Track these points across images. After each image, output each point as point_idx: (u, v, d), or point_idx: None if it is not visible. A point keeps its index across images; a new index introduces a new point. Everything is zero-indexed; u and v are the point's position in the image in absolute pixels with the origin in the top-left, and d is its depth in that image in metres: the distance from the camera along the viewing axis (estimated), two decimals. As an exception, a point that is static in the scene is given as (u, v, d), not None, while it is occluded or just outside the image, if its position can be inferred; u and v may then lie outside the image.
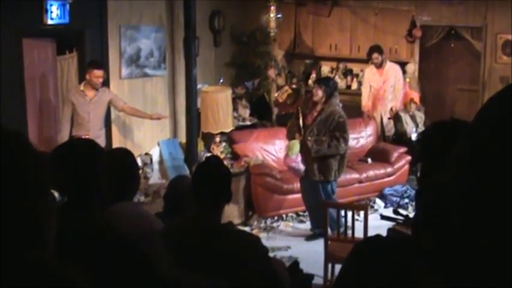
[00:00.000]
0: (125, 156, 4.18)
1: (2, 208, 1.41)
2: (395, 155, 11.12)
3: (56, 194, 3.12)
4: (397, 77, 11.99)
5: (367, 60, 13.15)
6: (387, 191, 10.68)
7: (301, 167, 8.68)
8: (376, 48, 12.04)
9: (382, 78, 11.99)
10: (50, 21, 8.85)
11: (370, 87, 12.12)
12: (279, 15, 12.42)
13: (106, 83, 9.70)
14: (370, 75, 12.19)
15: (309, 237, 9.17)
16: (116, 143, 10.11)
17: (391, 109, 11.91)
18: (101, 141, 8.71)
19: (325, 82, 8.92)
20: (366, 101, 12.13)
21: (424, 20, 12.83)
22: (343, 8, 13.49)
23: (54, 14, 8.88)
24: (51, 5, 8.79)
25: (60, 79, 10.34)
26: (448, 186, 1.09)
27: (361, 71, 13.58)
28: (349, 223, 7.15)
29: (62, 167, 3.01)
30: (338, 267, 6.96)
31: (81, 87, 9.02)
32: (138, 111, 9.67)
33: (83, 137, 7.89)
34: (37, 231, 1.50)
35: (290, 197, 10.00)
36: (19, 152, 1.50)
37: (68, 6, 9.05)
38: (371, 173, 10.79)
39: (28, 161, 1.51)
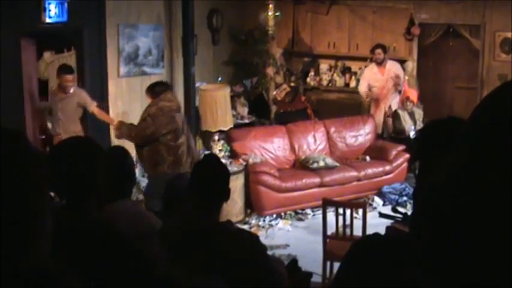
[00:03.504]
0: (121, 154, 4.19)
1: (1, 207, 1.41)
2: (393, 152, 11.12)
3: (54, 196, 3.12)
4: (400, 73, 12.10)
5: (365, 58, 13.18)
6: (386, 189, 10.69)
7: None
8: (381, 45, 12.11)
9: (384, 77, 12.00)
10: (48, 20, 8.85)
11: (369, 86, 12.10)
12: (277, 14, 12.42)
13: (104, 81, 9.73)
14: (370, 74, 12.18)
15: None
16: (114, 141, 10.09)
17: (390, 107, 11.92)
18: None
19: None
20: (363, 88, 12.15)
21: (423, 18, 12.84)
22: (341, 6, 13.50)
23: (53, 13, 8.88)
24: (49, 4, 8.79)
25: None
26: (446, 184, 1.09)
27: (360, 68, 13.59)
28: (348, 221, 7.16)
29: (59, 166, 3.01)
30: (337, 265, 6.95)
31: (54, 88, 9.45)
32: (104, 116, 9.68)
33: (57, 135, 8.93)
34: (32, 231, 1.50)
35: (289, 195, 10.01)
36: (18, 151, 1.50)
37: (66, 4, 9.05)
38: (369, 171, 10.79)
39: (27, 161, 1.51)
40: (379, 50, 11.97)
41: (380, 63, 12.05)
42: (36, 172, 1.52)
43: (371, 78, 12.12)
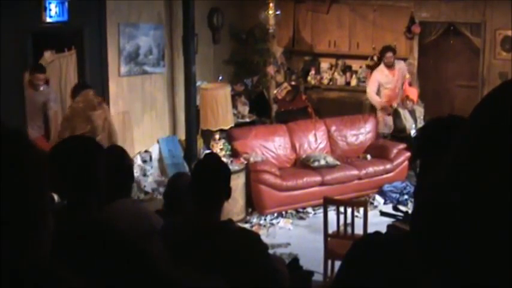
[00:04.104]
0: (120, 154, 4.19)
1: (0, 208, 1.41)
2: (394, 151, 11.12)
3: (56, 197, 3.12)
4: (406, 72, 12.27)
5: (366, 57, 13.18)
6: (386, 187, 10.69)
7: None
8: (390, 48, 12.13)
9: (395, 77, 12.06)
10: (48, 19, 8.85)
11: (379, 87, 12.16)
12: (277, 12, 12.41)
13: (105, 80, 9.75)
14: (382, 77, 12.18)
15: None
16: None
17: (391, 105, 11.92)
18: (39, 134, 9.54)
19: None
20: (377, 98, 12.11)
21: (423, 17, 12.84)
22: (341, 5, 13.49)
23: (53, 12, 8.88)
24: (49, 3, 8.78)
25: (59, 77, 10.36)
26: (446, 184, 1.09)
27: (360, 67, 13.60)
28: (349, 220, 7.16)
29: (60, 166, 3.00)
30: (338, 263, 6.95)
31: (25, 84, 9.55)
32: (53, 121, 9.75)
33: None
34: (32, 230, 1.50)
35: (290, 193, 10.02)
36: (18, 150, 1.49)
37: (66, 4, 9.04)
38: (370, 169, 10.79)
39: (28, 160, 1.50)
40: (390, 54, 11.99)
41: (391, 66, 12.07)
42: (36, 171, 1.52)
43: (382, 80, 12.10)
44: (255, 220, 9.84)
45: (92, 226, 2.92)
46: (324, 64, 14.16)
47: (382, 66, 12.18)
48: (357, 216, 7.54)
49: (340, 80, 13.90)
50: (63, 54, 10.32)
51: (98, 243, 2.81)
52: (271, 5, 12.33)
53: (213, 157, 4.21)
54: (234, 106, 11.99)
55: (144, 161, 10.88)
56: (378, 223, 8.50)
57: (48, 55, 10.62)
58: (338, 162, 10.68)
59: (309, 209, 10.23)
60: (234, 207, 9.36)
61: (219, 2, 12.76)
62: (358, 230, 7.14)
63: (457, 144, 1.10)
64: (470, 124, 1.08)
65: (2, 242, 1.42)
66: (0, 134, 1.47)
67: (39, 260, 1.52)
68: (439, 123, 2.55)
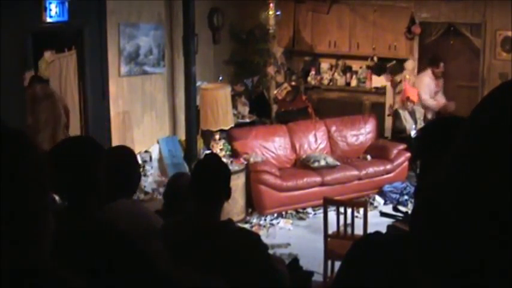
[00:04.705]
0: (125, 154, 4.19)
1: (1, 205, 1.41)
2: (394, 151, 11.13)
3: (57, 198, 3.12)
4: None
5: (366, 57, 13.17)
6: (387, 188, 10.69)
7: None
8: (440, 58, 12.31)
9: (439, 86, 12.29)
10: (48, 19, 8.85)
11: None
12: (278, 13, 12.42)
13: (105, 80, 9.78)
14: (430, 81, 12.23)
15: None
16: (116, 141, 10.11)
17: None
18: None
19: None
20: (432, 101, 12.02)
21: (423, 17, 12.83)
22: (342, 5, 13.49)
23: (53, 12, 8.88)
24: (50, 3, 8.79)
25: (59, 77, 10.36)
26: (446, 184, 1.09)
27: (360, 68, 13.59)
28: (349, 220, 7.16)
29: (60, 166, 3.00)
30: (337, 264, 6.96)
31: None
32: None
33: None
34: (33, 230, 1.50)
35: (290, 194, 10.02)
36: (20, 150, 1.50)
37: (66, 4, 9.05)
38: (370, 170, 10.80)
39: (29, 160, 1.51)
40: (442, 64, 12.21)
41: (439, 77, 12.23)
42: (37, 171, 1.52)
43: (431, 86, 12.18)
44: (255, 220, 9.84)
45: (91, 226, 2.93)
46: (324, 64, 14.16)
47: (428, 72, 12.19)
48: (357, 216, 7.55)
49: (340, 80, 13.90)
50: (63, 54, 10.33)
51: (97, 243, 2.82)
52: (271, 5, 12.33)
53: (213, 157, 4.21)
54: (234, 106, 12.00)
55: (144, 161, 10.87)
56: (378, 223, 8.50)
57: (48, 55, 10.63)
58: (338, 163, 10.69)
59: (309, 210, 10.24)
60: (234, 208, 9.36)
61: (219, 2, 12.76)
62: (358, 231, 7.14)
63: (457, 144, 1.11)
64: (470, 124, 1.09)
65: (2, 241, 1.42)
66: (1, 134, 1.48)
67: (39, 259, 1.52)
68: (439, 123, 2.55)
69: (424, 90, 12.01)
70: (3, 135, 1.48)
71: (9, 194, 1.43)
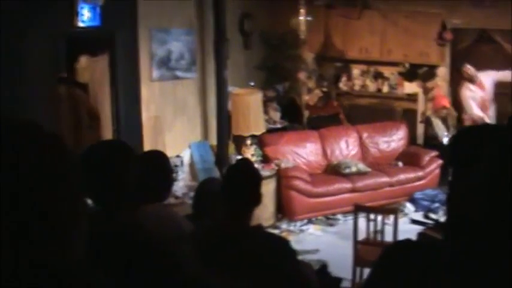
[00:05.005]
0: (159, 158, 4.21)
1: (34, 209, 1.42)
2: (426, 158, 11.07)
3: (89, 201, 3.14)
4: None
5: (397, 64, 13.10)
6: (418, 195, 10.63)
7: None
8: (462, 61, 11.74)
9: (485, 92, 11.57)
10: (81, 24, 8.93)
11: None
12: (308, 18, 12.41)
13: (136, 85, 9.87)
14: (471, 94, 11.52)
15: None
16: (147, 145, 10.16)
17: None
18: None
19: None
20: (479, 111, 11.54)
21: (455, 23, 12.74)
22: (373, 11, 13.43)
23: (85, 17, 8.96)
24: (82, 8, 8.87)
25: (93, 81, 10.45)
26: (480, 191, 1.09)
27: (392, 74, 13.52)
28: (379, 227, 7.13)
29: (91, 170, 3.02)
30: (366, 271, 6.93)
31: None
32: None
33: None
34: (65, 234, 1.52)
35: (320, 200, 10.01)
36: (58, 153, 1.51)
37: (98, 9, 9.12)
38: (402, 176, 10.75)
39: (66, 163, 1.52)
40: (467, 66, 11.58)
41: (472, 80, 11.58)
42: (73, 173, 1.54)
43: (474, 98, 11.50)
44: (284, 226, 9.84)
45: (121, 229, 2.94)
46: (355, 70, 14.10)
47: (467, 85, 11.60)
48: (387, 223, 7.52)
49: (372, 86, 13.83)
50: (96, 58, 10.41)
51: (127, 246, 2.83)
52: (302, 11, 12.34)
53: (246, 162, 4.21)
54: (266, 112, 12.00)
55: (176, 166, 10.91)
56: (408, 231, 8.44)
57: (83, 60, 10.72)
58: (369, 169, 10.66)
59: (339, 216, 10.21)
60: (264, 213, 9.36)
61: (250, 8, 12.78)
62: (388, 238, 7.11)
63: (491, 152, 1.10)
64: (503, 133, 1.08)
65: (39, 242, 1.44)
66: (37, 138, 1.49)
67: (74, 262, 1.53)
68: (472, 131, 2.54)
69: (469, 104, 11.45)
70: (41, 139, 1.49)
71: (46, 196, 1.45)
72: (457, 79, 12.82)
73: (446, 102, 11.60)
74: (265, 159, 10.31)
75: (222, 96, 10.76)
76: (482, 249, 1.07)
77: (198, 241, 3.75)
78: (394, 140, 11.71)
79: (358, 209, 7.43)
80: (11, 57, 8.07)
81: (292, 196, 9.88)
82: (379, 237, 7.16)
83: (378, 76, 13.86)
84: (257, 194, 3.84)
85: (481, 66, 12.80)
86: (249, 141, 9.84)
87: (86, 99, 10.39)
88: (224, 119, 10.71)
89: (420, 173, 10.89)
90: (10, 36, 8.03)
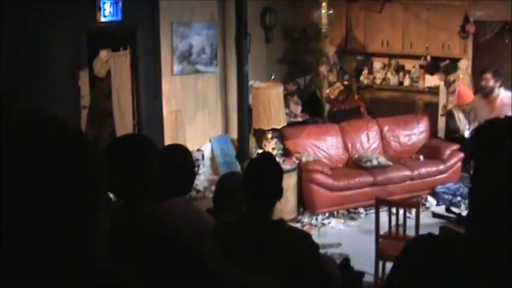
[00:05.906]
0: (181, 152, 4.22)
1: (60, 204, 1.44)
2: (447, 152, 11.02)
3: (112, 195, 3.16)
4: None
5: (419, 57, 13.04)
6: (439, 188, 10.60)
7: None
8: (492, 69, 10.27)
9: (494, 113, 9.19)
10: (103, 19, 8.97)
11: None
12: (330, 12, 12.38)
13: (158, 79, 9.90)
14: (477, 106, 10.36)
15: None
16: (168, 139, 10.18)
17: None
18: None
19: None
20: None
21: (477, 16, 12.66)
22: (394, 4, 13.38)
23: (107, 12, 8.99)
24: (104, 3, 8.90)
25: (114, 75, 10.49)
26: (503, 184, 1.09)
27: (414, 67, 13.46)
28: (401, 221, 7.11)
29: (114, 165, 3.03)
30: (389, 264, 6.93)
31: None
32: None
33: None
34: (90, 229, 1.53)
35: (341, 193, 10.00)
36: (83, 149, 1.53)
37: (120, 4, 9.15)
38: (423, 170, 10.71)
39: (91, 159, 1.54)
40: (488, 75, 10.08)
41: (488, 94, 10.17)
42: (96, 169, 1.55)
43: (479, 111, 10.16)
44: (306, 220, 9.84)
45: (144, 225, 2.96)
46: (377, 64, 14.05)
47: (478, 100, 10.56)
48: (409, 217, 7.50)
49: (393, 79, 13.78)
50: (118, 53, 10.45)
51: (150, 242, 2.84)
52: (323, 4, 12.31)
53: (267, 156, 4.20)
54: (287, 105, 11.99)
55: (197, 160, 10.92)
56: (430, 224, 8.44)
57: (104, 54, 10.77)
58: (390, 163, 10.63)
59: (361, 209, 10.20)
60: (286, 207, 9.37)
61: (272, 2, 12.77)
62: (410, 231, 7.10)
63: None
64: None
65: (62, 239, 1.45)
66: (63, 133, 1.51)
67: (97, 258, 1.55)
68: (494, 125, 2.53)
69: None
70: (66, 134, 1.51)
71: (73, 192, 1.46)
72: (480, 71, 12.73)
73: (469, 97, 11.45)
74: (286, 153, 10.31)
75: (243, 90, 10.76)
76: (508, 240, 1.07)
77: (221, 236, 3.76)
78: (415, 133, 11.66)
79: (379, 202, 7.42)
80: (33, 53, 8.12)
81: (314, 190, 9.88)
82: (401, 231, 7.14)
83: (400, 69, 13.80)
84: (278, 187, 3.84)
85: (504, 59, 12.71)
86: (269, 135, 9.84)
87: (105, 94, 10.49)
88: (245, 112, 10.71)
89: (441, 167, 10.85)
90: (33, 31, 8.08)
